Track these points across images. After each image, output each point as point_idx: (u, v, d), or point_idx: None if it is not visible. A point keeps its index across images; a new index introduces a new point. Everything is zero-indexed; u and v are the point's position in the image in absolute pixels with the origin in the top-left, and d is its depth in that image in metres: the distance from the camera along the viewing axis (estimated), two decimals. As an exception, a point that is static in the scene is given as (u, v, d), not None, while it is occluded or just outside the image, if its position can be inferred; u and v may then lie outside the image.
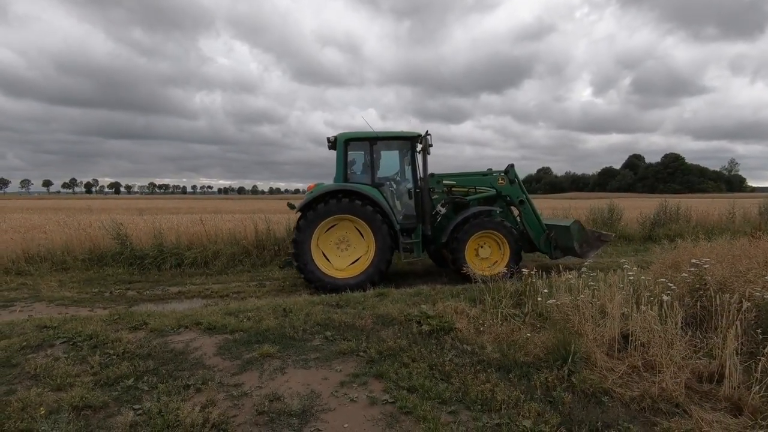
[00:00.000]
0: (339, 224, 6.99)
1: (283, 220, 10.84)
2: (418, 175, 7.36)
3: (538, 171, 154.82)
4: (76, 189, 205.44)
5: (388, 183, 7.64)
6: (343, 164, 7.22)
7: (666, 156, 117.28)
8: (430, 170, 7.38)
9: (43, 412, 2.77)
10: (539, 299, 4.43)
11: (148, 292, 7.17)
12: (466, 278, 7.06)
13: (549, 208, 15.87)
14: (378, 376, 3.39)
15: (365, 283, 6.74)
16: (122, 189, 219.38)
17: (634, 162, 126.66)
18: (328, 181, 7.40)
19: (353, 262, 7.04)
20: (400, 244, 7.03)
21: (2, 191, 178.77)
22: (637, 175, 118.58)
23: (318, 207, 6.75)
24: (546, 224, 8.11)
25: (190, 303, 6.51)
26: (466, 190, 8.02)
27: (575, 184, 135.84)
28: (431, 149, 7.16)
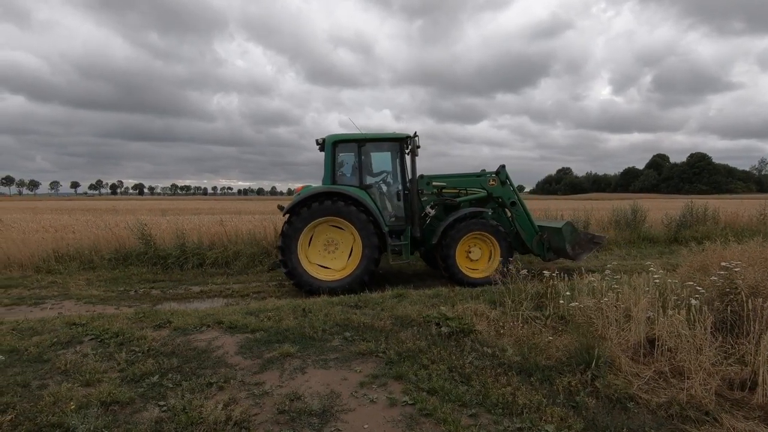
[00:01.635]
0: (327, 226, 6.96)
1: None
2: (407, 177, 7.34)
3: (558, 171, 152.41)
4: (102, 190, 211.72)
5: (376, 185, 7.60)
6: (331, 166, 7.22)
7: (692, 155, 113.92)
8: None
9: (73, 406, 2.86)
10: (561, 302, 4.36)
11: (171, 291, 7.33)
12: (457, 281, 7.07)
13: (569, 209, 15.59)
14: (397, 377, 3.39)
15: (353, 285, 6.71)
16: (146, 190, 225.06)
17: (658, 162, 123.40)
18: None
19: (343, 266, 6.99)
20: (388, 246, 6.98)
21: (33, 192, 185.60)
22: (662, 175, 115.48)
23: (304, 210, 6.74)
24: (538, 226, 7.98)
25: (212, 302, 6.63)
26: (457, 191, 7.90)
27: (596, 184, 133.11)
28: (419, 150, 7.13)
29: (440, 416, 2.81)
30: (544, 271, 4.98)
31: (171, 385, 3.24)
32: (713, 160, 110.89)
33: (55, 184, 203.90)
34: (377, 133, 7.46)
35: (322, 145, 7.35)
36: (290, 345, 3.97)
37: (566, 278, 5.01)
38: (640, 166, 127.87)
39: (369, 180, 7.50)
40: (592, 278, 4.64)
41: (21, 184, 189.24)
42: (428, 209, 7.92)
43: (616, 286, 4.32)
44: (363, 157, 7.31)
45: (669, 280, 4.16)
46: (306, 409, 2.95)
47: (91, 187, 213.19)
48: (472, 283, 6.76)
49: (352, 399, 3.10)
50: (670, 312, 3.48)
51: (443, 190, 7.81)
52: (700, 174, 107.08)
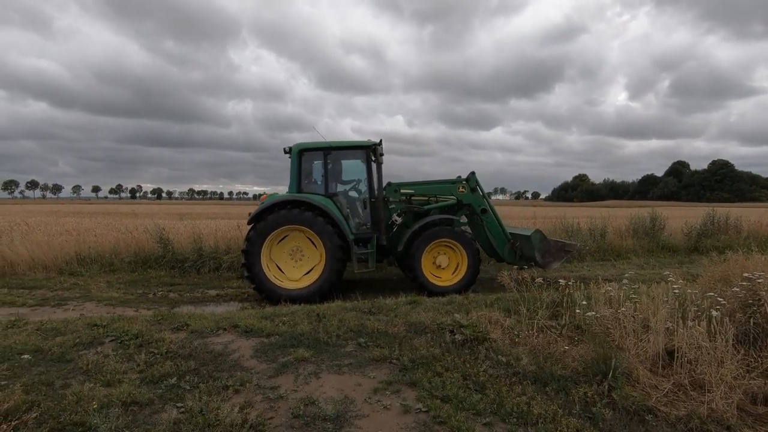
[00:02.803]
0: (293, 234, 6.94)
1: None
2: (374, 185, 7.32)
3: (574, 178, 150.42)
4: (122, 194, 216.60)
5: (343, 193, 7.58)
6: (297, 175, 7.24)
7: (713, 162, 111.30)
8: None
9: (95, 406, 2.93)
10: (577, 311, 4.31)
11: (188, 294, 7.46)
12: (424, 289, 6.98)
13: (586, 216, 15.38)
14: (411, 384, 3.39)
15: (316, 294, 6.67)
16: (164, 194, 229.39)
17: (678, 169, 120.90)
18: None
19: (306, 273, 6.96)
20: (353, 254, 6.93)
21: (56, 196, 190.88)
22: (682, 182, 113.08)
23: (268, 218, 6.76)
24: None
25: (228, 306, 6.73)
26: (426, 198, 7.84)
27: (614, 191, 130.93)
28: (383, 158, 7.31)
29: (454, 424, 2.81)
30: (560, 280, 4.93)
31: (188, 387, 3.30)
32: (736, 168, 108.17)
33: (77, 188, 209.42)
34: (343, 141, 7.50)
35: (290, 153, 7.38)
36: (305, 350, 4.01)
37: (582, 287, 4.95)
38: (659, 173, 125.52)
39: (335, 188, 7.48)
40: (609, 287, 4.57)
41: (45, 187, 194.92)
42: (395, 217, 7.85)
43: (633, 296, 4.26)
44: (329, 166, 7.32)
45: (689, 291, 4.08)
46: (320, 414, 2.97)
47: (111, 191, 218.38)
48: (439, 292, 6.70)
49: (366, 405, 3.12)
50: (690, 323, 3.42)
51: (413, 198, 7.76)
52: (722, 181, 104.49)
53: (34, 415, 2.81)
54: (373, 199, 7.28)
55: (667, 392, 3.14)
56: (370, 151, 7.27)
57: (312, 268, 6.94)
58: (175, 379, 3.42)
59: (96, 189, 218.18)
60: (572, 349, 3.83)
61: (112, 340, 4.24)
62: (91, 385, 3.25)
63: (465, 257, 7.14)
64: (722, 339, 3.25)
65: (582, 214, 18.34)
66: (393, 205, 7.66)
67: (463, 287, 7.00)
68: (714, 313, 3.44)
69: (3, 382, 3.26)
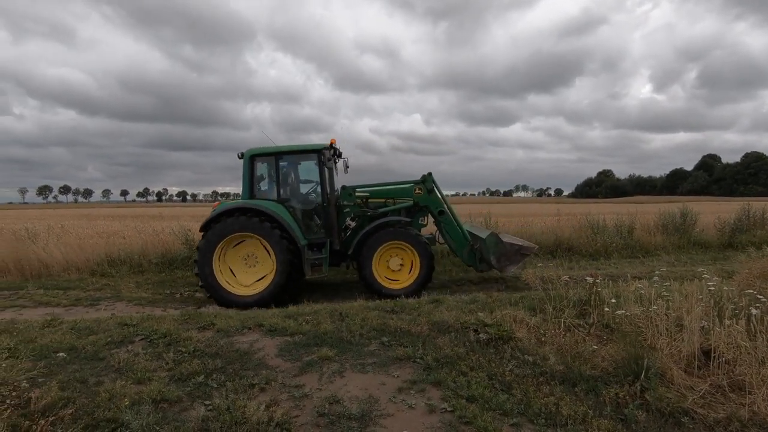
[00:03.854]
0: (247, 241, 6.89)
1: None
2: (327, 188, 7.19)
3: (599, 174, 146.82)
4: (149, 198, 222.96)
5: (295, 197, 7.47)
6: (249, 180, 7.20)
7: (746, 155, 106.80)
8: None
9: (127, 403, 3.01)
10: (606, 309, 4.18)
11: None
12: (375, 292, 6.86)
13: (612, 213, 14.98)
14: (436, 383, 3.36)
15: (267, 299, 6.58)
16: (188, 197, 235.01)
17: (709, 162, 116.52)
18: None
19: (259, 279, 6.91)
20: (305, 260, 6.83)
21: (87, 200, 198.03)
22: (713, 176, 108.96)
23: (217, 225, 6.72)
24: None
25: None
26: (384, 201, 7.69)
27: (640, 187, 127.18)
28: (344, 160, 7.42)
29: (481, 424, 2.77)
30: (587, 278, 4.80)
31: (216, 385, 3.36)
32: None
33: (106, 192, 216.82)
34: (293, 146, 7.40)
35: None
36: (328, 348, 4.02)
37: (611, 285, 4.81)
38: (688, 167, 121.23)
39: (288, 193, 7.41)
40: (640, 285, 4.43)
41: (76, 192, 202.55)
42: (348, 221, 7.72)
43: (665, 294, 4.11)
44: (281, 170, 7.27)
45: (725, 288, 3.92)
46: (345, 412, 2.97)
47: (138, 194, 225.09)
48: (390, 295, 6.58)
49: (391, 404, 3.10)
50: (727, 322, 3.27)
51: (369, 200, 7.63)
52: (756, 175, 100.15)
53: (70, 411, 2.90)
54: (325, 203, 7.18)
55: (704, 394, 3.01)
56: (322, 154, 7.10)
57: (265, 275, 6.89)
58: (202, 377, 3.48)
59: (124, 193, 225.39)
60: (601, 349, 3.72)
61: (141, 339, 4.35)
62: (123, 382, 3.34)
63: (418, 259, 7.02)
64: (763, 338, 3.10)
65: (607, 211, 17.89)
66: (348, 209, 7.54)
67: (415, 290, 6.87)
68: (753, 311, 3.29)
69: (41, 379, 3.38)
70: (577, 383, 3.28)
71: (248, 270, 6.99)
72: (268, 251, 6.81)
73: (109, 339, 4.33)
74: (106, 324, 4.83)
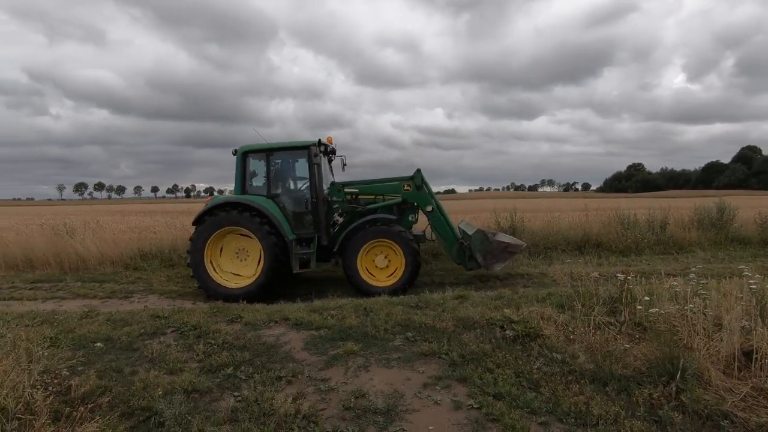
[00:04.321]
0: (237, 235, 7.06)
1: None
2: (315, 184, 7.24)
3: (629, 168, 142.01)
4: (178, 194, 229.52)
5: (285, 193, 7.59)
6: (241, 176, 7.39)
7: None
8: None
9: (160, 392, 3.11)
10: (638, 307, 4.05)
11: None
12: (362, 291, 6.82)
13: (643, 208, 14.48)
14: (461, 379, 3.33)
15: (254, 292, 6.72)
16: (216, 193, 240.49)
17: (748, 155, 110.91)
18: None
19: (249, 273, 7.06)
20: (293, 255, 6.95)
21: (120, 196, 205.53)
22: (752, 169, 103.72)
23: (208, 220, 6.95)
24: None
25: (276, 299, 6.92)
26: (373, 197, 7.65)
27: (673, 181, 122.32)
28: (335, 156, 7.64)
29: (508, 422, 2.73)
30: (618, 275, 4.65)
31: (244, 377, 3.43)
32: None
33: (138, 189, 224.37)
34: (284, 142, 7.54)
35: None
36: (353, 343, 4.04)
37: (643, 282, 4.66)
38: (725, 159, 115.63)
39: (278, 189, 7.54)
40: (674, 282, 4.27)
41: (110, 189, 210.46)
42: (336, 216, 7.71)
43: (702, 292, 3.95)
44: (272, 167, 7.43)
45: (768, 286, 3.73)
46: (371, 407, 2.98)
47: (168, 191, 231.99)
48: (375, 292, 6.54)
49: (416, 399, 3.10)
50: (770, 321, 3.11)
51: (359, 197, 7.63)
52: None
53: (107, 399, 3.03)
54: (314, 199, 7.24)
55: (745, 396, 2.88)
56: (309, 151, 7.21)
57: (255, 269, 7.05)
58: (231, 369, 3.56)
59: (155, 189, 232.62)
60: (633, 348, 3.61)
61: (173, 331, 4.49)
62: (156, 372, 3.45)
63: (402, 257, 6.98)
64: (810, 339, 2.93)
65: (638, 206, 17.30)
66: (337, 205, 7.59)
67: (401, 287, 6.83)
68: (799, 310, 3.11)
69: (80, 368, 3.54)
70: (608, 382, 3.19)
71: (239, 263, 7.22)
72: (257, 245, 7.01)
73: (143, 330, 4.48)
74: (139, 316, 5.00)
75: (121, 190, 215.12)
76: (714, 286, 4.10)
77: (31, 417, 2.55)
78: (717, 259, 9.15)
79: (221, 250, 7.20)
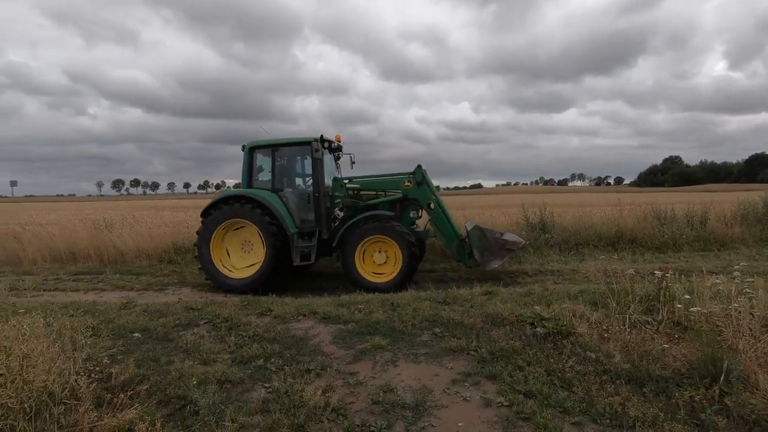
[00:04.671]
0: (244, 227, 7.25)
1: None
2: (317, 179, 7.32)
3: (665, 161, 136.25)
4: (209, 190, 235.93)
5: (289, 187, 7.75)
6: (248, 171, 7.63)
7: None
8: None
9: (195, 382, 3.21)
10: (678, 306, 3.88)
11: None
12: (360, 286, 6.78)
13: (681, 202, 13.87)
14: (491, 377, 3.28)
15: (257, 284, 6.92)
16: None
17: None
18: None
19: (252, 265, 7.24)
20: (293, 248, 7.08)
21: (155, 192, 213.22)
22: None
23: (214, 212, 7.17)
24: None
25: (304, 293, 7.01)
26: (375, 193, 7.65)
27: (713, 174, 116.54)
28: (340, 153, 7.92)
29: (540, 421, 2.67)
30: (656, 272, 4.47)
31: (274, 369, 3.49)
32: None
33: (171, 185, 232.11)
34: (288, 138, 7.65)
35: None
36: (381, 337, 4.05)
37: (683, 279, 4.46)
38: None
39: (282, 183, 7.71)
40: (717, 280, 4.07)
41: (145, 185, 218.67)
42: (337, 211, 7.73)
43: (748, 291, 3.74)
44: (277, 162, 7.63)
45: (822, 286, 3.50)
46: (399, 401, 2.98)
47: (199, 186, 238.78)
48: (373, 288, 6.56)
49: (445, 395, 3.08)
50: (825, 323, 2.92)
51: (361, 192, 7.67)
52: None
53: (145, 387, 3.14)
54: (316, 194, 7.34)
55: (796, 402, 2.71)
56: (311, 147, 7.30)
57: (258, 261, 7.22)
58: (262, 360, 3.63)
59: (187, 185, 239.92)
60: (672, 348, 3.46)
61: (206, 323, 4.62)
62: (191, 362, 3.56)
63: (399, 253, 6.93)
64: None
65: (676, 200, 16.59)
66: (338, 200, 7.67)
67: (397, 284, 6.78)
68: None
69: (119, 357, 3.69)
70: (645, 383, 3.07)
71: (244, 255, 7.46)
72: (261, 238, 7.19)
73: (177, 322, 4.63)
74: (174, 308, 5.17)
75: (155, 186, 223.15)
76: (761, 284, 3.89)
77: (76, 402, 2.67)
78: (763, 256, 8.67)
79: (227, 243, 7.46)
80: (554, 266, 8.24)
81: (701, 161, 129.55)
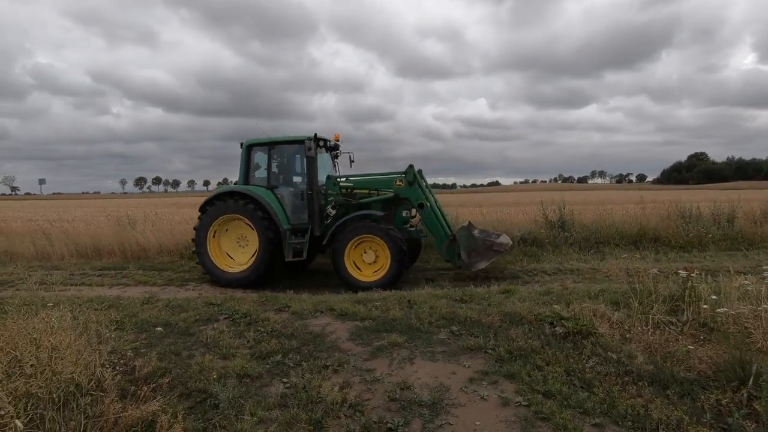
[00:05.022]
0: (239, 223, 7.43)
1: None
2: (311, 177, 7.39)
3: (690, 157, 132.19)
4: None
5: (284, 185, 7.84)
6: (245, 168, 7.79)
7: None
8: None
9: (215, 376, 3.27)
10: (704, 307, 3.77)
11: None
12: (349, 285, 6.77)
13: (707, 200, 13.45)
14: (509, 376, 3.25)
15: (250, 278, 7.16)
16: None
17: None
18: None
19: (248, 259, 7.39)
20: (286, 244, 7.18)
21: (176, 190, 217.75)
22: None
23: (210, 208, 7.41)
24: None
25: (321, 289, 7.07)
26: (368, 192, 7.62)
27: (741, 171, 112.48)
28: (338, 152, 8.19)
29: (559, 422, 2.63)
30: (680, 271, 4.35)
31: (292, 365, 3.53)
32: None
33: (191, 183, 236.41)
34: (283, 137, 7.74)
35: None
36: (398, 335, 4.05)
37: (709, 279, 4.33)
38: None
39: (277, 180, 7.81)
40: (746, 281, 3.94)
41: (166, 183, 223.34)
42: (329, 209, 7.75)
43: (779, 292, 3.61)
44: (273, 159, 7.76)
45: None
46: (416, 399, 2.98)
47: (218, 184, 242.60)
48: (362, 287, 6.54)
49: (462, 394, 3.06)
50: None
51: (354, 191, 7.66)
52: None
53: (167, 380, 3.22)
54: (309, 192, 7.41)
55: (830, 407, 2.61)
56: (304, 145, 7.34)
57: (252, 255, 7.40)
58: (280, 356, 3.68)
59: (206, 183, 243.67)
60: (698, 350, 3.37)
61: (225, 318, 4.70)
62: (211, 357, 3.63)
63: (387, 253, 6.88)
64: None
65: (701, 198, 16.13)
66: (331, 198, 7.72)
67: (386, 283, 6.72)
68: None
69: (142, 350, 3.78)
70: (668, 385, 3.00)
71: (239, 250, 7.66)
72: (254, 234, 7.35)
73: (198, 316, 4.72)
74: (194, 303, 5.28)
75: (176, 183, 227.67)
76: (792, 285, 3.74)
77: (102, 394, 2.75)
78: (794, 256, 8.34)
79: (223, 238, 7.63)
80: (574, 265, 8.10)
81: (728, 158, 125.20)
